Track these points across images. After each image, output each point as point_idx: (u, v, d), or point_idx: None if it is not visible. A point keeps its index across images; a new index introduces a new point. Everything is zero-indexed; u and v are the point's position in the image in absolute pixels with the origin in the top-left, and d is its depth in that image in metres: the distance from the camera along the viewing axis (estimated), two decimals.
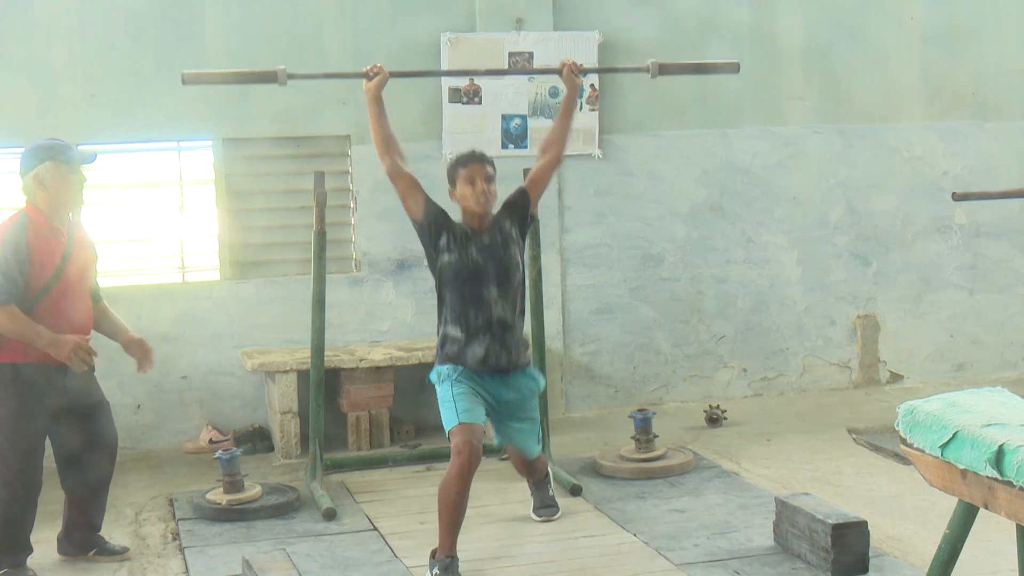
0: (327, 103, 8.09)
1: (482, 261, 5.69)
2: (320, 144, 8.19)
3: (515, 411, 5.92)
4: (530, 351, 6.01)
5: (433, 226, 5.73)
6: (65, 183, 5.65)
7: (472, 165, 5.71)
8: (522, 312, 5.86)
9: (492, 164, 5.79)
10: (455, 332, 5.72)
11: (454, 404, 5.65)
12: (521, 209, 5.87)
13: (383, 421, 7.88)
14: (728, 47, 8.56)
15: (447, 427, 5.69)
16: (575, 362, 8.70)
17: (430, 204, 5.76)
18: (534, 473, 6.32)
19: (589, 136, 8.45)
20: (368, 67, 5.78)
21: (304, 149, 8.15)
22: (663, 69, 6.04)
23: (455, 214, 5.82)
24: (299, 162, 8.09)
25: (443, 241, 5.71)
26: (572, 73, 5.91)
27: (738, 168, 8.89)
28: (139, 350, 6.01)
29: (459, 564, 5.56)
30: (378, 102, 5.74)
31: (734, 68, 6.37)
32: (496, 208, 5.83)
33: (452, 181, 5.77)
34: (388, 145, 5.73)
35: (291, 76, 5.76)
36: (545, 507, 6.34)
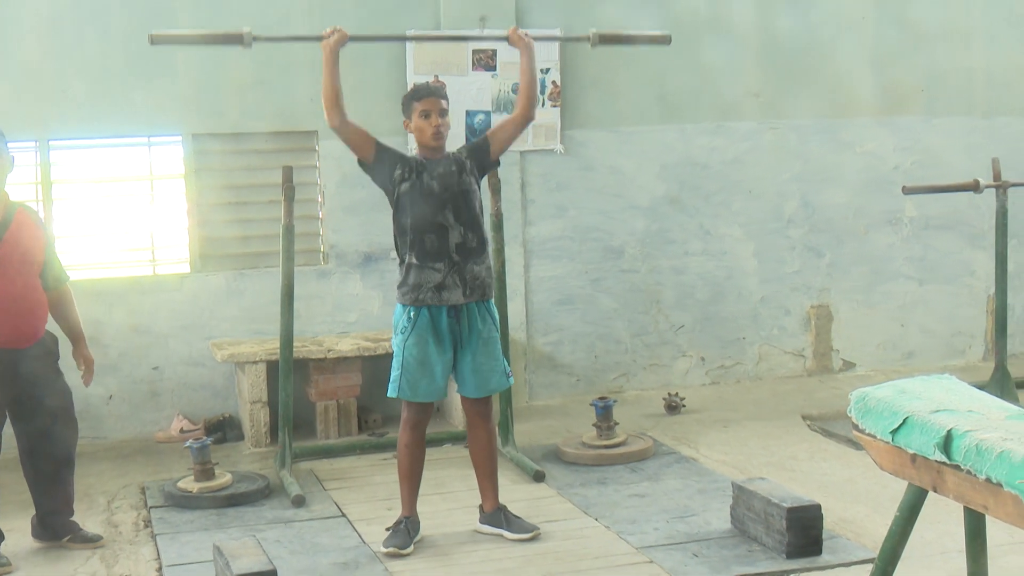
0: (295, 99, 8.13)
1: (437, 187, 5.73)
2: (288, 140, 8.24)
3: (476, 348, 5.83)
4: (492, 285, 5.95)
5: (386, 162, 5.78)
6: None
7: (428, 99, 5.78)
8: (484, 240, 5.87)
9: (447, 98, 5.86)
10: (411, 258, 5.75)
11: (402, 374, 5.75)
12: (480, 152, 5.92)
13: (351, 410, 7.93)
14: (681, 42, 8.66)
15: (392, 389, 5.81)
16: (538, 352, 8.79)
17: (381, 146, 5.81)
18: (487, 426, 6.02)
19: (551, 131, 8.57)
20: (327, 30, 5.80)
21: (272, 144, 8.20)
22: (602, 39, 6.22)
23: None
24: (267, 157, 8.12)
25: (398, 173, 5.76)
26: (519, 36, 5.94)
27: (696, 163, 8.98)
28: (85, 365, 6.08)
29: (418, 525, 5.81)
30: (334, 57, 5.72)
31: (666, 40, 6.53)
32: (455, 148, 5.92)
33: (407, 113, 5.85)
34: (337, 99, 5.70)
35: (256, 39, 5.84)
36: (523, 531, 5.95)
